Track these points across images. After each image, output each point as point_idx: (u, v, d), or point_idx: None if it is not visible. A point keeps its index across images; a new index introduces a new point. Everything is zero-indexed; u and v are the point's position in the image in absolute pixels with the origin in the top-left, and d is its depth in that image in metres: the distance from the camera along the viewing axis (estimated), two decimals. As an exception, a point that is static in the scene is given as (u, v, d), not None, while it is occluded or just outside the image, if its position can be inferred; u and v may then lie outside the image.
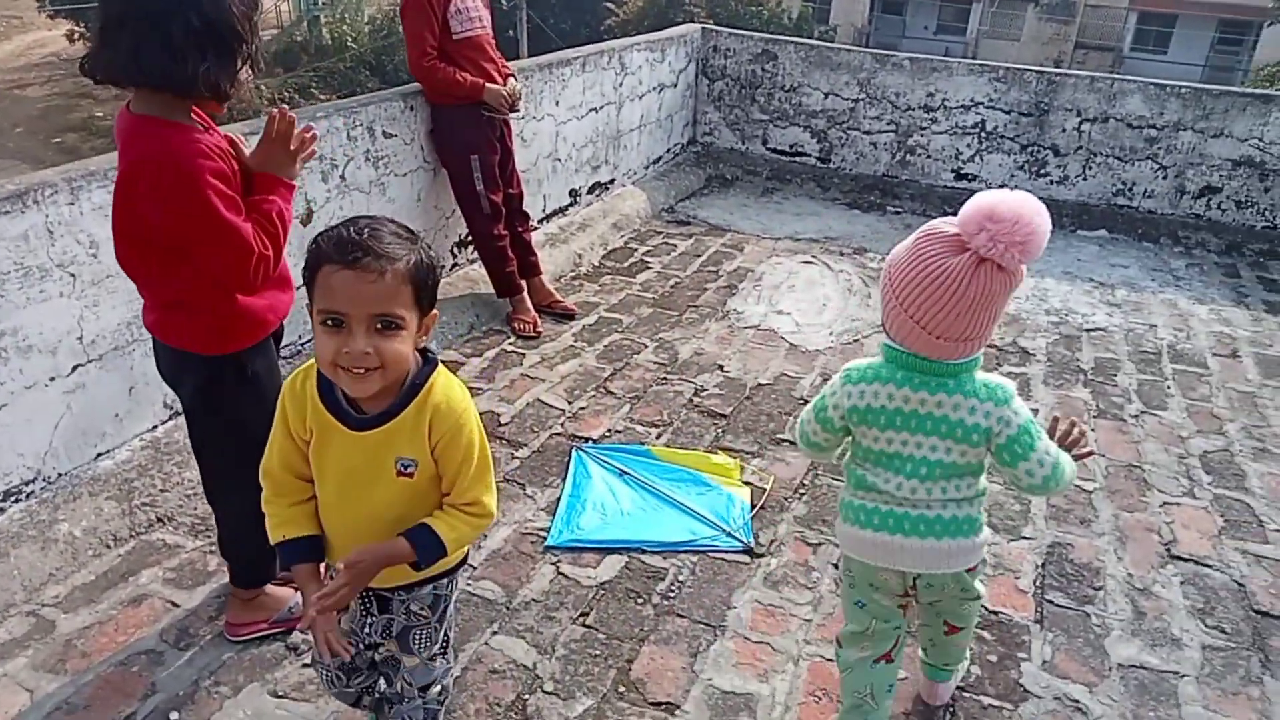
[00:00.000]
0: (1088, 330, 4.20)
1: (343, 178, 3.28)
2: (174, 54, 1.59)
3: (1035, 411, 3.44)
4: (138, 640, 2.13)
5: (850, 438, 1.79)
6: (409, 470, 1.42)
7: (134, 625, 2.17)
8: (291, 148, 1.87)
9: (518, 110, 3.64)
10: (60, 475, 2.46)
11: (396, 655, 1.65)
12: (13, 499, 2.36)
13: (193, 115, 1.73)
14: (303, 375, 1.46)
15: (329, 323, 1.30)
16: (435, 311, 1.40)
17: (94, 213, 2.41)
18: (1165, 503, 2.93)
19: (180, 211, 1.65)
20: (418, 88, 3.58)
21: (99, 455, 2.56)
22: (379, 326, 1.30)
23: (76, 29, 26.76)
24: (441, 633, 1.64)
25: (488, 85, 3.48)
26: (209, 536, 2.47)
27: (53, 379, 2.40)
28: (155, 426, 2.72)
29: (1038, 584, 2.52)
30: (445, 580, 1.60)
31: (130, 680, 2.02)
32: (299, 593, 1.78)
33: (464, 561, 1.64)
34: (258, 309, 1.89)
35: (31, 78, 29.81)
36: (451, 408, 1.41)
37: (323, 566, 1.55)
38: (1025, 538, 2.71)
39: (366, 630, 1.61)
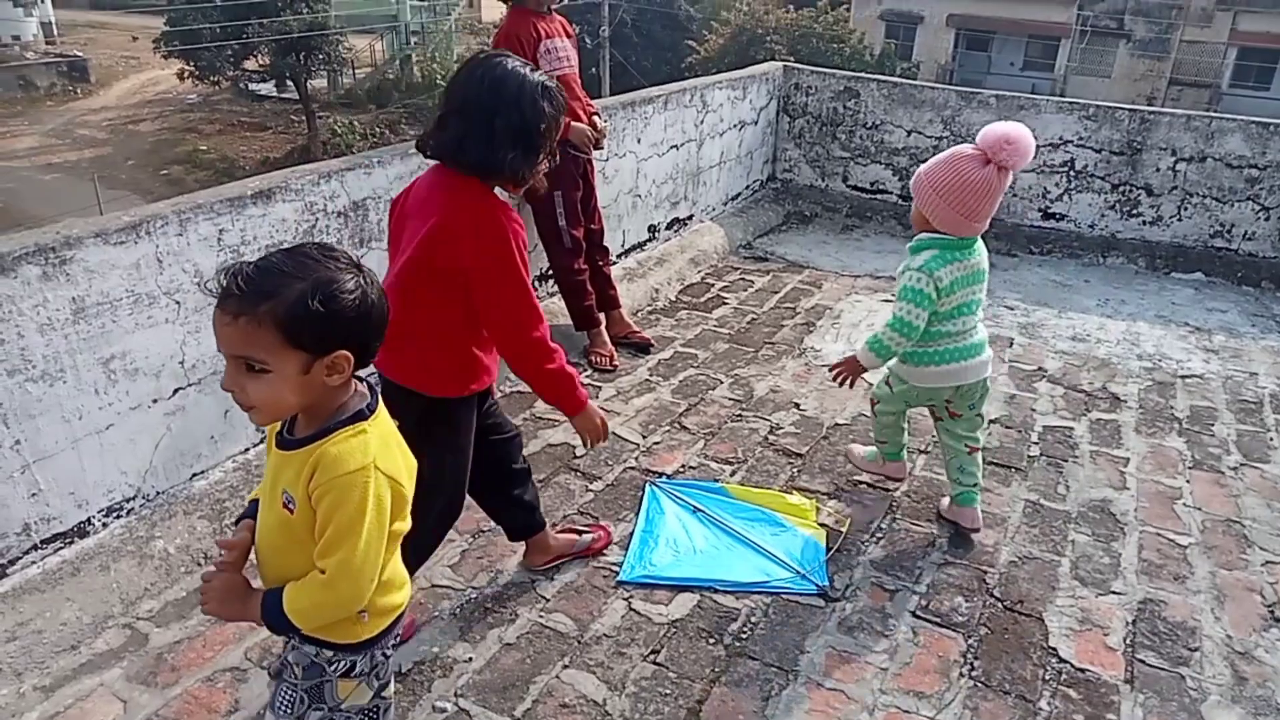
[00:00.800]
0: (1183, 377, 4.03)
1: (431, 212, 3.38)
2: (491, 145, 1.86)
3: (1126, 461, 3.32)
4: (223, 656, 2.20)
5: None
6: (290, 507, 1.35)
7: (220, 642, 2.25)
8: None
9: (601, 148, 3.71)
10: (158, 494, 2.58)
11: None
12: (115, 515, 2.47)
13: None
14: None
15: (229, 356, 1.30)
16: (343, 352, 1.30)
17: (200, 243, 2.54)
18: (1268, 561, 2.78)
19: (493, 260, 1.88)
20: (505, 126, 3.68)
21: (194, 475, 2.68)
22: (246, 368, 1.28)
23: (187, 68, 28.28)
24: (305, 711, 1.46)
25: (573, 124, 3.56)
26: (293, 558, 2.55)
27: (155, 401, 2.52)
28: (247, 449, 2.83)
29: (1128, 642, 2.41)
30: (331, 654, 1.44)
31: (215, 696, 2.09)
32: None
33: (371, 645, 1.46)
34: (483, 364, 2.06)
35: (144, 114, 31.63)
36: (337, 464, 1.31)
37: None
38: (1115, 592, 2.60)
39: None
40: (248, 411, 1.32)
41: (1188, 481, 3.21)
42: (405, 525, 1.44)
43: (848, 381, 2.72)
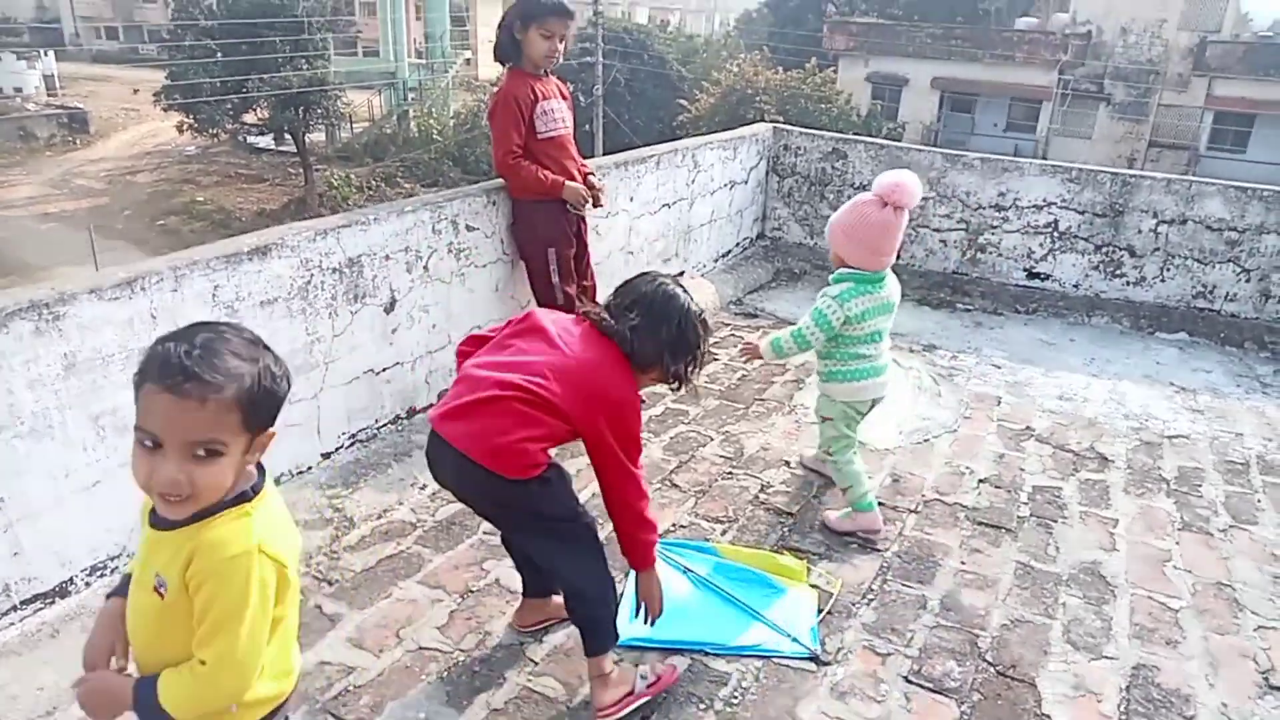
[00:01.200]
0: (1169, 437, 4.06)
1: (426, 268, 3.42)
2: (660, 346, 2.14)
3: (1115, 522, 3.32)
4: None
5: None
6: (161, 590, 1.29)
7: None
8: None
9: (601, 205, 3.79)
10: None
11: None
12: (98, 574, 2.45)
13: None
14: None
15: (146, 443, 1.23)
16: (272, 431, 1.32)
17: (195, 299, 2.56)
18: (1260, 626, 2.77)
19: (626, 441, 2.14)
20: (500, 183, 3.74)
21: (180, 532, 2.65)
22: (197, 454, 1.23)
23: (186, 121, 28.63)
24: None
25: (567, 183, 3.62)
26: (279, 617, 2.51)
27: (144, 457, 2.50)
28: (235, 505, 2.81)
29: (1122, 709, 2.39)
30: None
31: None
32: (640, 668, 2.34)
33: None
34: (631, 535, 2.27)
35: (142, 165, 31.93)
36: (218, 549, 1.27)
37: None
38: (1108, 657, 2.59)
39: None
40: (184, 500, 1.25)
41: (1177, 543, 3.21)
42: (287, 612, 1.37)
43: (747, 357, 3.23)
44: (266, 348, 1.31)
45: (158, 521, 1.31)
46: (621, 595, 2.70)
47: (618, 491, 2.16)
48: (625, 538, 2.24)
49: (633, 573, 2.64)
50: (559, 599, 2.56)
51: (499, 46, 3.58)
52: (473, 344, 2.27)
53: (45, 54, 39.24)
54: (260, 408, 1.27)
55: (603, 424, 2.07)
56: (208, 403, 1.21)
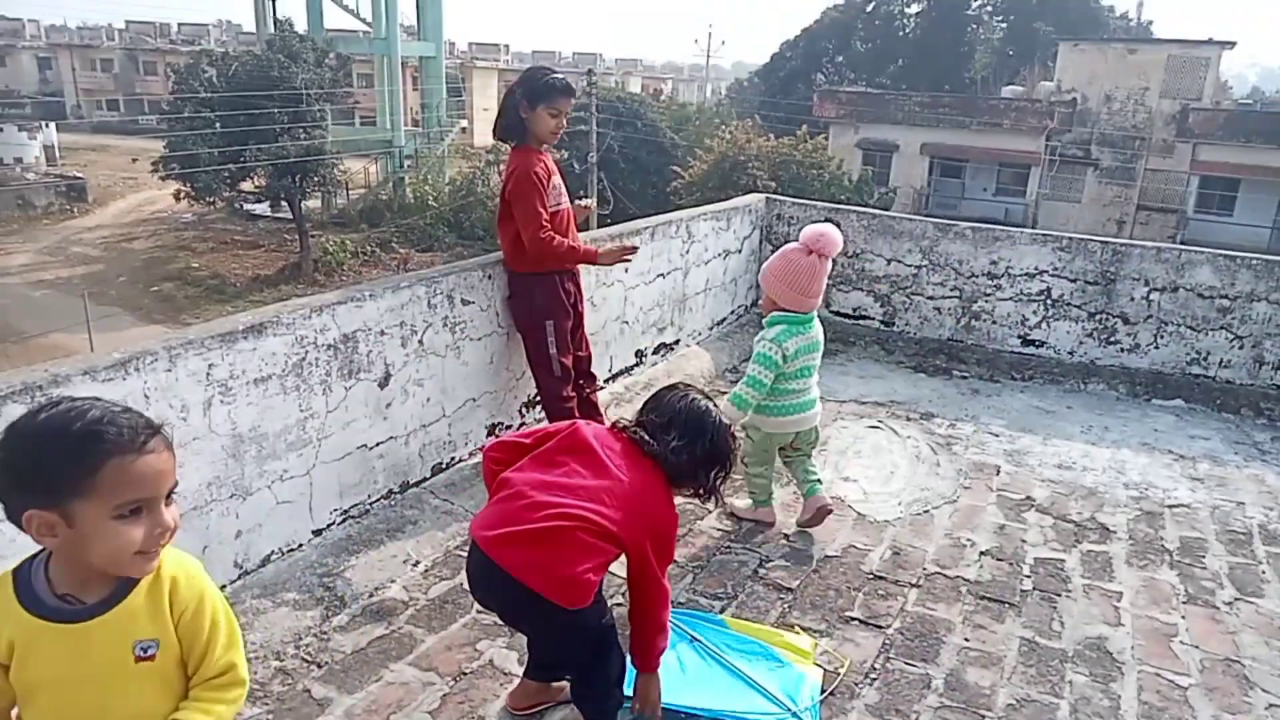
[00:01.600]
0: (1170, 506, 4.03)
1: (420, 343, 3.41)
2: (696, 464, 2.22)
3: (1120, 595, 3.28)
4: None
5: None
6: (150, 654, 1.31)
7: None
8: None
9: (633, 254, 3.93)
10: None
11: None
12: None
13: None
14: None
15: (127, 513, 1.25)
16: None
17: (189, 378, 2.54)
18: (1271, 704, 2.71)
19: (663, 557, 2.22)
20: (497, 257, 3.76)
21: (167, 614, 2.59)
22: (170, 498, 1.32)
23: (183, 189, 28.98)
24: None
25: (600, 250, 3.73)
26: (266, 704, 2.44)
27: (133, 538, 2.46)
28: (225, 585, 2.76)
29: (1134, 794, 2.32)
30: None
31: None
32: None
33: None
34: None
35: (139, 232, 32.23)
36: (190, 578, 1.36)
37: None
38: (1117, 739, 2.52)
39: None
40: (160, 545, 1.30)
41: (1183, 617, 3.16)
42: None
43: None
44: None
45: (84, 613, 1.30)
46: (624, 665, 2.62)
47: (649, 603, 2.23)
48: (641, 643, 2.27)
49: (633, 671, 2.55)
50: (561, 684, 2.50)
51: (505, 127, 3.62)
52: (505, 451, 2.25)
53: (46, 125, 39.88)
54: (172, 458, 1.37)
55: (648, 545, 2.14)
56: (166, 453, 1.31)
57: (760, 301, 3.54)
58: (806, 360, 3.42)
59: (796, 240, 3.39)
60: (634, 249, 3.92)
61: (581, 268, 3.91)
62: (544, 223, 3.53)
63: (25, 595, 1.31)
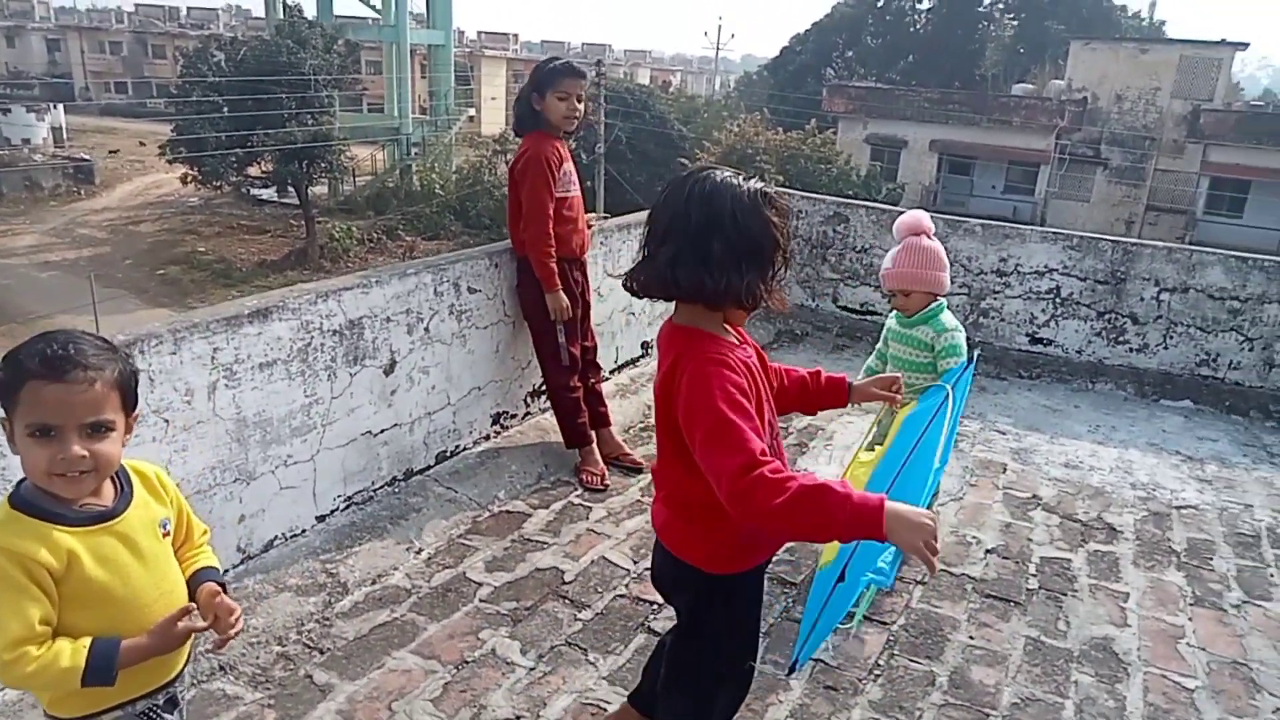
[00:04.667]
0: (1178, 507, 4.00)
1: (426, 330, 3.40)
2: (709, 269, 1.63)
3: (1126, 596, 3.25)
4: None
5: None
6: (168, 530, 1.57)
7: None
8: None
9: (565, 317, 3.67)
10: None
11: None
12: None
13: (725, 327, 1.76)
14: (14, 530, 1.40)
15: (36, 434, 1.38)
16: (138, 412, 1.52)
17: (193, 362, 2.53)
18: (1279, 708, 2.69)
19: (696, 410, 1.64)
20: (505, 246, 3.74)
21: (169, 598, 2.58)
22: (89, 432, 1.40)
23: (190, 173, 28.97)
24: None
25: (558, 293, 3.59)
26: (268, 689, 2.44)
27: (136, 521, 2.45)
28: (226, 571, 2.74)
29: (1139, 796, 2.30)
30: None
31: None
32: None
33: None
34: (756, 535, 1.79)
35: (145, 215, 32.22)
36: (160, 471, 1.63)
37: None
38: (1122, 740, 2.51)
39: None
40: (85, 475, 1.42)
41: (1190, 619, 3.13)
42: None
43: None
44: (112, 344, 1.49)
45: (113, 513, 1.48)
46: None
47: (724, 500, 1.60)
48: (773, 519, 1.54)
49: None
50: None
51: (519, 120, 3.62)
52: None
53: (55, 107, 39.86)
54: (132, 390, 1.48)
55: (680, 421, 1.70)
56: (95, 384, 1.40)
57: (901, 302, 3.19)
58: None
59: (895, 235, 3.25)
60: (569, 316, 3.66)
61: (589, 257, 3.89)
62: (549, 212, 3.51)
63: (50, 516, 1.43)
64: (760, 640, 1.97)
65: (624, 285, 1.77)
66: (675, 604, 2.00)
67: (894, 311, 3.30)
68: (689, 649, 1.95)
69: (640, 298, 1.75)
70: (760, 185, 1.69)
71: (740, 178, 1.69)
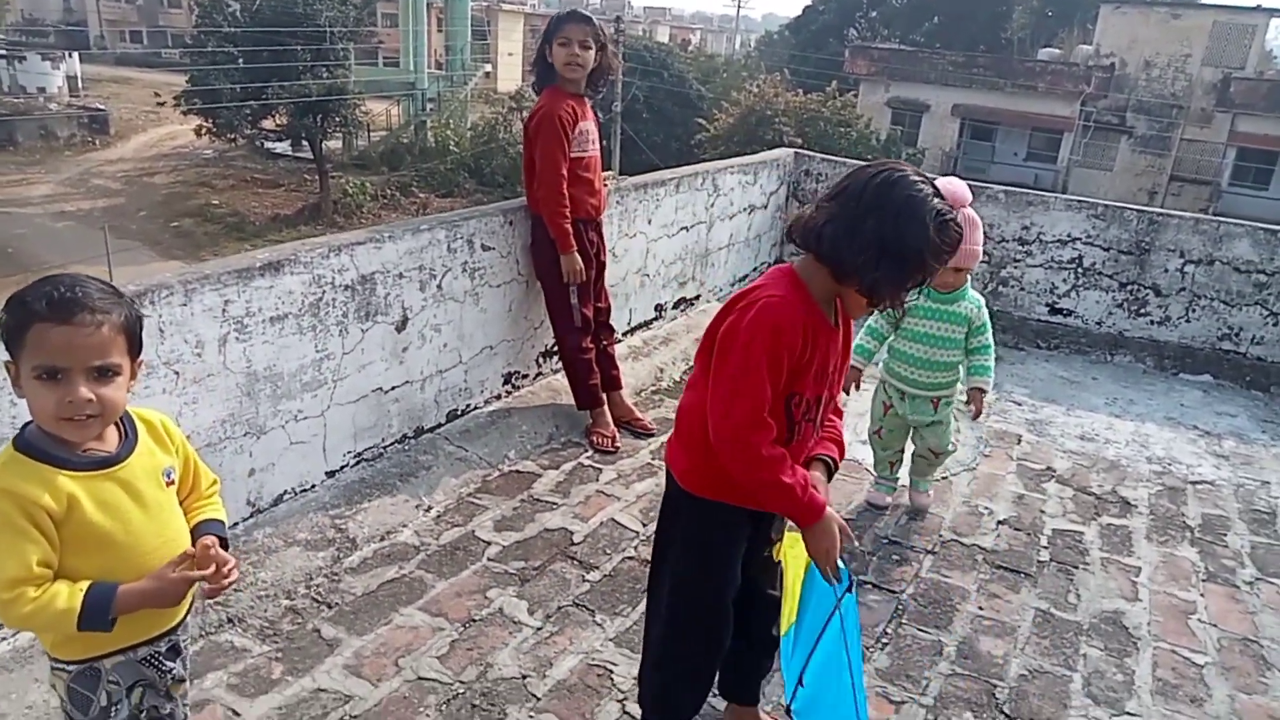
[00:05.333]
0: (1193, 483, 3.96)
1: (439, 287, 3.36)
2: (852, 241, 1.66)
3: (1138, 570, 3.23)
4: (195, 749, 2.09)
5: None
6: (171, 479, 1.57)
7: (193, 733, 2.13)
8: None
9: (577, 279, 3.63)
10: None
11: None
12: (93, 590, 2.38)
13: (834, 304, 1.81)
14: (16, 473, 1.41)
15: (43, 376, 1.38)
16: (143, 359, 1.52)
17: (204, 314, 2.50)
18: (1289, 687, 2.67)
19: (737, 342, 1.72)
20: (520, 203, 3.69)
21: (180, 549, 2.59)
22: (96, 375, 1.40)
23: (205, 125, 28.83)
24: None
25: (572, 254, 3.54)
26: (276, 642, 2.45)
27: (146, 472, 2.45)
28: (235, 524, 2.75)
29: (1146, 771, 2.30)
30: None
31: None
32: None
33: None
34: (743, 483, 1.79)
35: (160, 166, 32.14)
36: (166, 420, 1.62)
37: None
38: (1129, 714, 2.50)
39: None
40: (92, 419, 1.41)
41: (1201, 595, 3.11)
42: None
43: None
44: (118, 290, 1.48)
45: (116, 459, 1.48)
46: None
47: (711, 406, 1.75)
48: (743, 481, 1.77)
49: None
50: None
51: (538, 76, 3.59)
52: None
53: (70, 55, 39.63)
54: (138, 335, 1.47)
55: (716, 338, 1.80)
56: (101, 328, 1.39)
57: (951, 279, 3.15)
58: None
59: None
60: (583, 278, 3.63)
61: (604, 217, 3.84)
62: (562, 172, 3.46)
63: (53, 460, 1.43)
64: (729, 587, 1.96)
65: (787, 232, 1.91)
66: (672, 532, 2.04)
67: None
68: (655, 570, 2.05)
69: (789, 240, 1.83)
70: (943, 206, 1.67)
71: (931, 188, 1.69)
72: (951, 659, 2.66)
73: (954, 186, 2.91)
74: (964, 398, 3.31)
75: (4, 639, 2.24)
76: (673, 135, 31.61)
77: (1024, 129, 31.59)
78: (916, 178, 1.68)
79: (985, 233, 5.62)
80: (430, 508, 3.16)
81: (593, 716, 2.30)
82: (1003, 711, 2.46)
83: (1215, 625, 2.94)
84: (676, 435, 1.96)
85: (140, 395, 2.38)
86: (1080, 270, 5.50)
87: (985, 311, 3.23)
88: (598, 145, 3.67)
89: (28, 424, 1.45)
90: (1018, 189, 5.81)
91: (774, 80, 27.56)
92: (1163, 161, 30.51)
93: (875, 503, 3.51)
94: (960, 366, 3.28)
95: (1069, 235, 5.48)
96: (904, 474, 3.56)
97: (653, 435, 3.91)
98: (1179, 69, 29.76)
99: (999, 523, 3.47)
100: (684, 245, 5.03)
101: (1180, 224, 5.29)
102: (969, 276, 3.24)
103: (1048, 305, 5.63)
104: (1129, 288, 5.42)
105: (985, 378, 3.23)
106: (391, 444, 3.35)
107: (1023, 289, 5.66)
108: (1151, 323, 5.42)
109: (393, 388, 3.27)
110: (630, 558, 3.02)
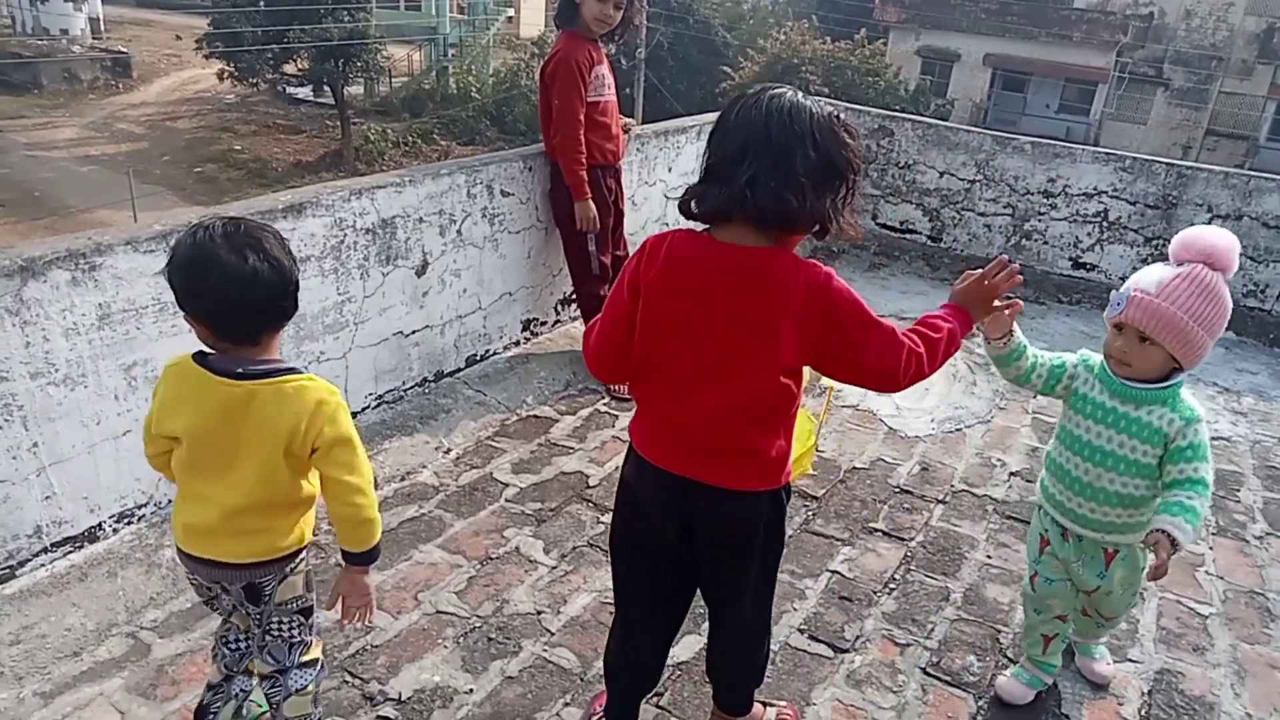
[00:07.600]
0: (1210, 439, 3.95)
1: (459, 233, 3.39)
2: (792, 190, 1.55)
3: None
4: (224, 672, 2.18)
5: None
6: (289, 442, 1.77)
7: (222, 657, 2.23)
8: (995, 302, 1.88)
9: (592, 230, 3.66)
10: (170, 501, 2.57)
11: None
12: (126, 521, 2.47)
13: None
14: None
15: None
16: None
17: (228, 255, 2.55)
18: (1292, 638, 2.71)
19: (857, 319, 1.66)
20: (539, 149, 3.70)
21: (207, 484, 2.67)
22: None
23: (227, 69, 28.72)
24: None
25: (587, 201, 3.55)
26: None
27: (174, 409, 2.52)
28: (261, 461, 2.82)
29: (1143, 714, 2.35)
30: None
31: (214, 712, 2.07)
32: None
33: None
34: (654, 429, 1.79)
35: (182, 111, 32.11)
36: (325, 402, 1.78)
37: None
38: (1132, 660, 2.54)
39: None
40: None
41: (1210, 548, 3.14)
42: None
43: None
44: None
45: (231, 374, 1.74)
46: None
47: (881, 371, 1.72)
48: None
49: None
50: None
51: (559, 12, 3.56)
52: None
53: (93, -4, 39.41)
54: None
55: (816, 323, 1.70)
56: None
57: (1128, 353, 2.06)
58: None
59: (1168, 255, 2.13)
60: (597, 227, 3.63)
61: (624, 165, 3.84)
62: (580, 117, 3.45)
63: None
64: (631, 524, 1.92)
65: (682, 210, 1.67)
66: (745, 543, 1.94)
67: (1089, 361, 2.19)
68: (734, 583, 1.94)
69: (704, 223, 1.66)
70: (832, 108, 1.64)
71: (812, 99, 1.63)
72: (957, 604, 2.71)
73: (1209, 240, 2.06)
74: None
75: (43, 565, 2.34)
76: (697, 83, 31.12)
77: (1057, 80, 30.84)
78: (791, 92, 1.62)
79: (1010, 185, 5.59)
80: (449, 450, 3.23)
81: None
82: (1005, 655, 2.52)
83: (1222, 578, 2.97)
84: (746, 441, 1.71)
85: (168, 334, 2.44)
86: (1105, 224, 5.43)
87: (1200, 430, 2.06)
88: (614, 90, 3.66)
89: None
90: (1045, 140, 5.72)
91: (801, 27, 27.02)
92: (1199, 115, 29.75)
93: (1009, 698, 2.33)
94: (1150, 504, 2.11)
95: (1095, 188, 5.40)
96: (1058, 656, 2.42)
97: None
98: (1221, 18, 28.85)
99: (1011, 474, 3.49)
100: (704, 194, 5.01)
101: (1209, 178, 5.20)
102: (1169, 360, 2.05)
103: (1071, 260, 5.58)
104: (1154, 242, 5.36)
105: (1177, 518, 1.91)
106: (412, 387, 3.41)
107: (1046, 242, 5.60)
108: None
109: (413, 331, 3.33)
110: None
